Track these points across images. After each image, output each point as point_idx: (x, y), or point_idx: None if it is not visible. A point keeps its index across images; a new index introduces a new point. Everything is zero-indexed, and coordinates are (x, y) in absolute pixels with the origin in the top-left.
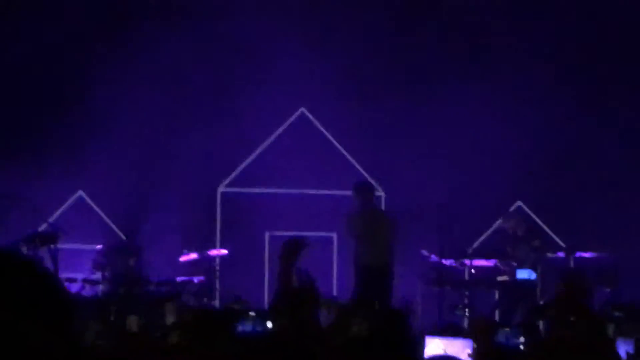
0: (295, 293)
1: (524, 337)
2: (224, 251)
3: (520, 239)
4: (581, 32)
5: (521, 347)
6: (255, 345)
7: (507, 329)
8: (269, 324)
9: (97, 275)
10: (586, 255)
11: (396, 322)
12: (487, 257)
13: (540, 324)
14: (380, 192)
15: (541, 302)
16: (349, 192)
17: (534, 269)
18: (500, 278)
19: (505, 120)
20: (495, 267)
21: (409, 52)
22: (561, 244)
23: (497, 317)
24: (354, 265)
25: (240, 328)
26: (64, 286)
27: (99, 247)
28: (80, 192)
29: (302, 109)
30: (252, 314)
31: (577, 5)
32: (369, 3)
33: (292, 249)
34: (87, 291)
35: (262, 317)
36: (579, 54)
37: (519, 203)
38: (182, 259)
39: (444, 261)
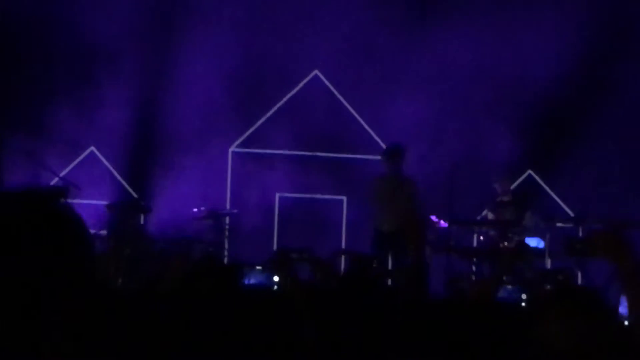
0: None
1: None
2: (234, 211)
3: (505, 205)
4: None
5: (522, 304)
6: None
7: (509, 286)
8: (276, 278)
9: (105, 232)
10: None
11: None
12: (493, 226)
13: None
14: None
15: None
16: (359, 156)
17: (542, 237)
18: (505, 244)
19: (522, 83)
20: (503, 235)
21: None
22: (570, 213)
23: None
24: (372, 229)
25: (246, 281)
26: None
27: (104, 203)
28: (92, 148)
29: (316, 72)
30: (258, 268)
31: None
32: None
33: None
34: (96, 247)
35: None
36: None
37: (529, 172)
38: (192, 217)
39: (451, 228)
